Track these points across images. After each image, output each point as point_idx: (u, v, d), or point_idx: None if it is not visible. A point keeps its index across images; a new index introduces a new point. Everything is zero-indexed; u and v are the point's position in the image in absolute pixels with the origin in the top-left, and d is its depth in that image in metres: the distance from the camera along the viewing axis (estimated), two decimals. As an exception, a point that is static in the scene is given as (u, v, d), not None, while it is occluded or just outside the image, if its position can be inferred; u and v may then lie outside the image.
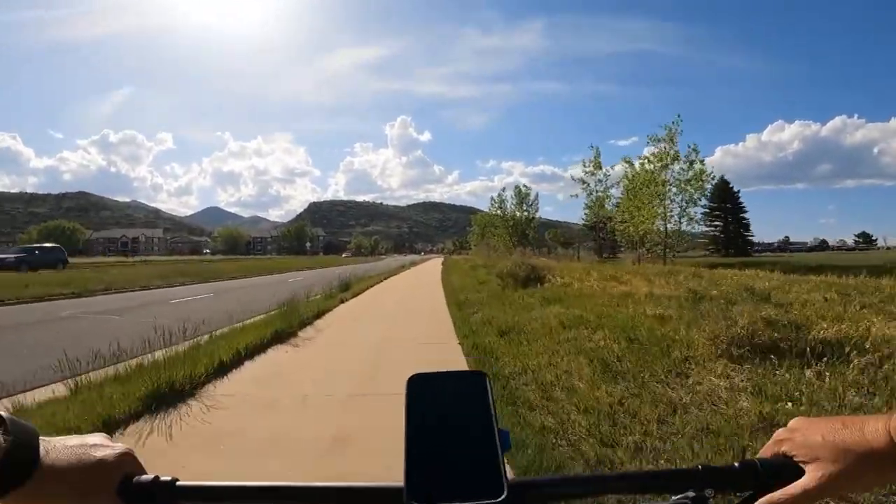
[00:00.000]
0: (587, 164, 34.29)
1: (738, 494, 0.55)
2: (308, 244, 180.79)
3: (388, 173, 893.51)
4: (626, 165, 30.67)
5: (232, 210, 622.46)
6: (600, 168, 34.09)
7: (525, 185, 47.07)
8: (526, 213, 46.07)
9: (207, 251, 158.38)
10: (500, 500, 0.47)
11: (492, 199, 46.84)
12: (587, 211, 37.67)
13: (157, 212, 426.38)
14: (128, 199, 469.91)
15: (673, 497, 0.54)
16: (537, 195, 46.01)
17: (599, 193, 34.60)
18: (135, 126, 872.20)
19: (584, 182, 34.39)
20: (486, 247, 45.36)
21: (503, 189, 44.43)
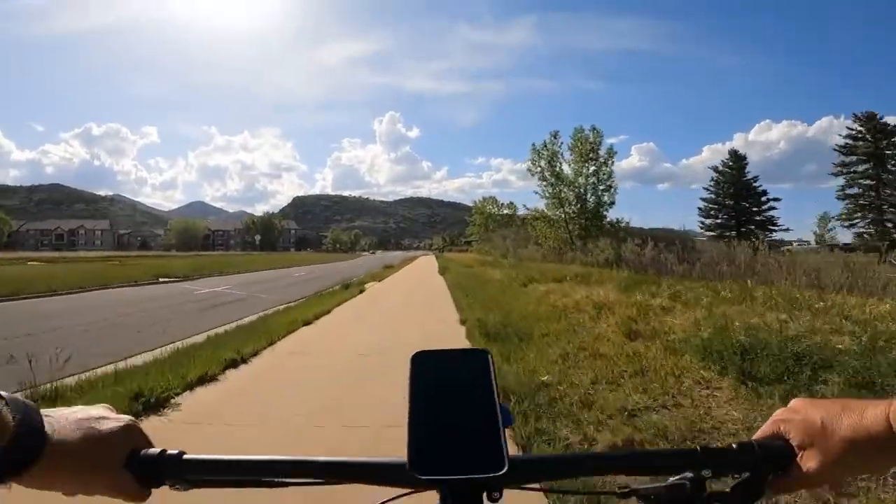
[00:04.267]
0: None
1: (735, 476, 0.57)
2: (279, 238, 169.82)
3: (375, 169, 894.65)
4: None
5: (217, 205, 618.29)
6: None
7: (594, 130, 31.79)
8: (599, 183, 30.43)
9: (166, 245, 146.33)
10: (500, 473, 0.50)
11: (531, 162, 31.56)
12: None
13: (134, 205, 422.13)
14: (111, 193, 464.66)
15: (671, 478, 0.57)
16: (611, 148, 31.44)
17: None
18: (119, 119, 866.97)
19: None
20: (504, 242, 35.10)
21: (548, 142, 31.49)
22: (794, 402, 0.59)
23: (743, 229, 47.32)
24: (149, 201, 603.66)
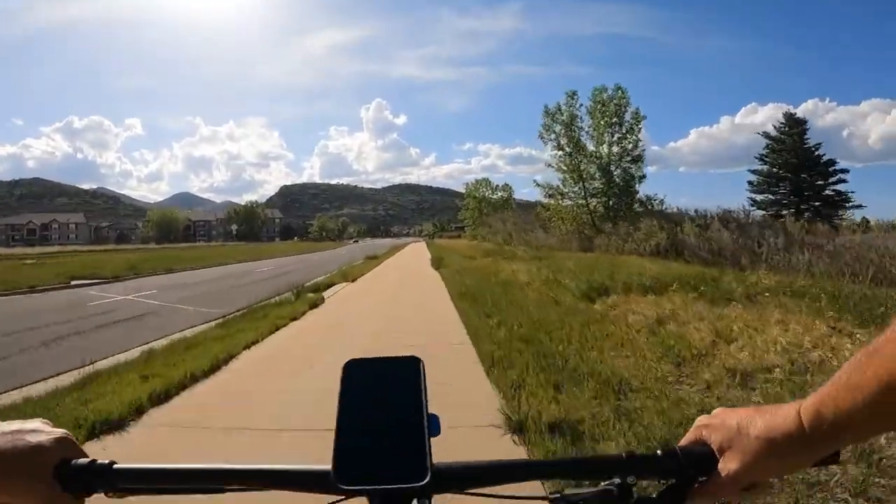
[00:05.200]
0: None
1: (661, 482, 0.58)
2: (263, 228, 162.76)
3: (363, 157, 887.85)
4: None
5: (205, 196, 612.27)
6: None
7: (620, 90, 25.74)
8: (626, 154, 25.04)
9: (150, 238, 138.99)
10: (421, 484, 0.50)
11: (543, 128, 25.99)
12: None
13: (118, 198, 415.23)
14: (94, 186, 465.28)
15: (602, 484, 0.57)
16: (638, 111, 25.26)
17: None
18: (101, 112, 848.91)
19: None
20: (511, 228, 29.33)
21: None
22: (716, 410, 0.60)
23: (805, 206, 39.34)
24: (134, 194, 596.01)
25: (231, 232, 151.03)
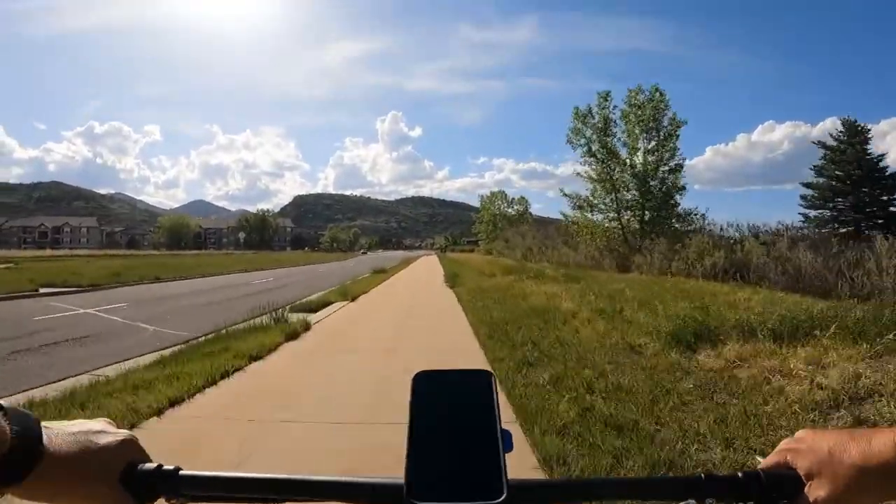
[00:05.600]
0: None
1: None
2: (274, 237, 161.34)
3: (378, 168, 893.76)
4: None
5: (220, 204, 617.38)
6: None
7: (657, 91, 23.18)
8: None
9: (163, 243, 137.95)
10: (500, 500, 0.48)
11: (571, 132, 23.33)
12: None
13: (134, 203, 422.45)
14: (112, 191, 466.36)
15: None
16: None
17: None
18: (122, 118, 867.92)
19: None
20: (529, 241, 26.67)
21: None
22: (799, 433, 0.57)
23: (868, 223, 34.95)
24: (151, 200, 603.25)
25: (241, 240, 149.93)
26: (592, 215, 23.65)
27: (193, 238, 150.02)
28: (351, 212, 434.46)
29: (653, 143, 22.71)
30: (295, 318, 9.27)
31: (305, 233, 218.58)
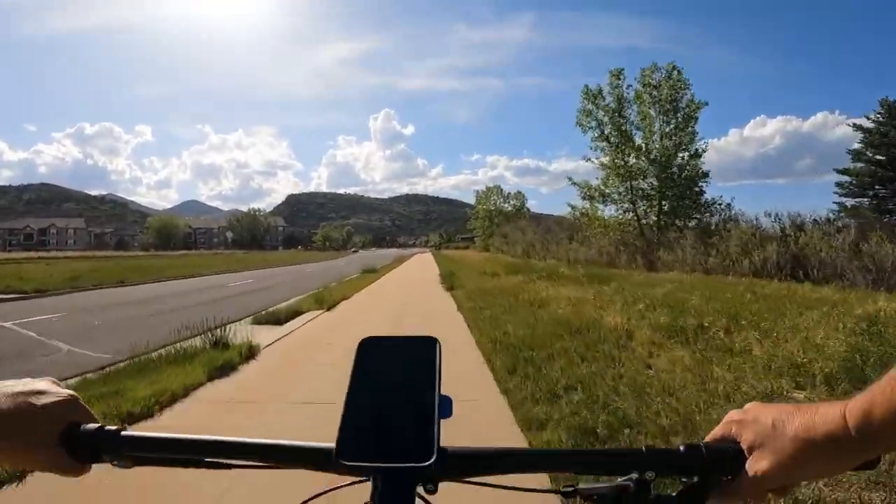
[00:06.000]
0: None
1: (682, 479, 0.54)
2: (265, 236, 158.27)
3: (371, 166, 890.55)
4: None
5: (213, 203, 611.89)
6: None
7: (675, 69, 20.59)
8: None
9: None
10: (426, 464, 0.48)
11: (581, 114, 21.20)
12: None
13: (126, 204, 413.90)
14: (104, 193, 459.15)
15: (619, 479, 0.54)
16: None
17: None
18: (113, 119, 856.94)
19: None
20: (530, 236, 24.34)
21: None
22: (748, 405, 0.55)
23: None
24: (143, 200, 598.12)
25: (233, 240, 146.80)
26: (605, 206, 21.33)
27: (183, 238, 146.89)
28: (345, 210, 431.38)
29: (670, 126, 20.35)
30: (245, 335, 6.85)
31: (298, 232, 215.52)
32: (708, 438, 0.56)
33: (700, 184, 20.01)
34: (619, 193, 20.71)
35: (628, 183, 20.51)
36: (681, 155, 20.28)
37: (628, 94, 21.04)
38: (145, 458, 0.56)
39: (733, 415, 0.55)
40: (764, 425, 0.51)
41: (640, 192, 20.52)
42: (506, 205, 68.90)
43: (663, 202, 19.92)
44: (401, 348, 0.58)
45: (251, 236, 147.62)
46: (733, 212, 18.89)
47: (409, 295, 14.29)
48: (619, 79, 21.09)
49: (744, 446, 0.52)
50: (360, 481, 0.53)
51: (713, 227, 17.31)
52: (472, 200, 72.64)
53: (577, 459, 0.58)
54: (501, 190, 70.79)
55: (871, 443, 0.46)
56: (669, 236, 17.38)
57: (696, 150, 20.27)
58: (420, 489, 0.51)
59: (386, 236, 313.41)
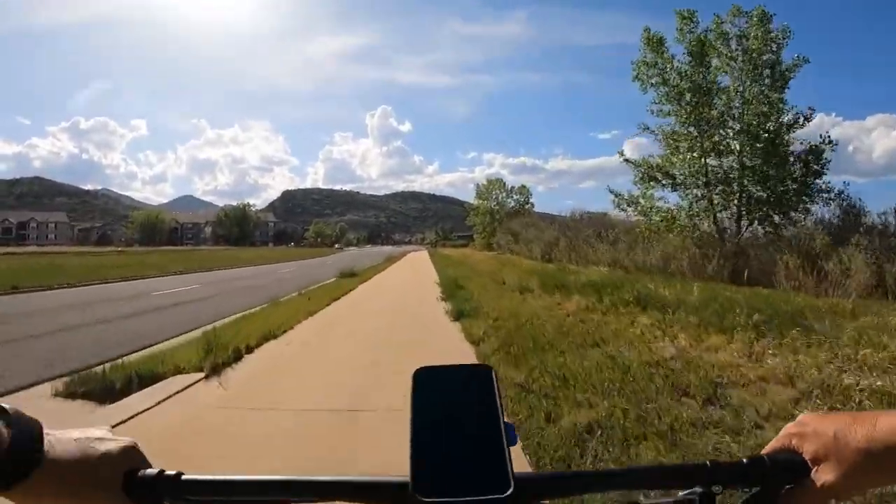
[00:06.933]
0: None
1: (745, 490, 0.55)
2: (255, 232, 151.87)
3: (367, 163, 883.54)
4: None
5: (208, 199, 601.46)
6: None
7: (763, 13, 14.35)
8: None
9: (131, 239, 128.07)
10: (506, 495, 0.48)
11: (639, 65, 15.85)
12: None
13: (118, 199, 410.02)
14: (99, 187, 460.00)
15: (680, 493, 0.55)
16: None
17: None
18: (107, 113, 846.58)
19: None
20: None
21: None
22: (802, 416, 0.56)
23: None
24: (138, 195, 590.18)
25: (220, 235, 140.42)
26: (662, 193, 15.52)
27: (169, 233, 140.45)
28: (340, 206, 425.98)
29: (763, 87, 14.56)
30: None
31: (290, 227, 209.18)
32: (766, 450, 0.55)
33: (822, 159, 14.00)
34: (693, 173, 14.83)
35: (703, 159, 14.65)
36: (782, 121, 14.44)
37: (709, 35, 15.15)
38: (205, 502, 0.55)
39: (791, 428, 0.56)
40: (826, 437, 0.52)
41: (720, 174, 14.70)
42: (509, 199, 63.16)
43: (755, 188, 14.14)
44: (457, 377, 0.57)
45: (240, 232, 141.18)
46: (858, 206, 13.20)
47: (390, 327, 8.45)
48: (692, 20, 15.24)
49: (806, 457, 0.52)
50: None
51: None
52: (468, 198, 67.27)
53: (644, 477, 0.58)
54: (504, 183, 64.91)
55: None
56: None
57: (797, 115, 14.47)
58: None
59: (381, 233, 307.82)
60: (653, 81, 15.70)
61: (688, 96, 14.93)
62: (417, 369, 0.57)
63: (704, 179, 14.81)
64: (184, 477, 0.55)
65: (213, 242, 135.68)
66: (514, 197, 63.59)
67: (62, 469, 0.50)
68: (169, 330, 8.43)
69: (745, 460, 0.53)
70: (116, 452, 0.54)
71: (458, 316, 8.89)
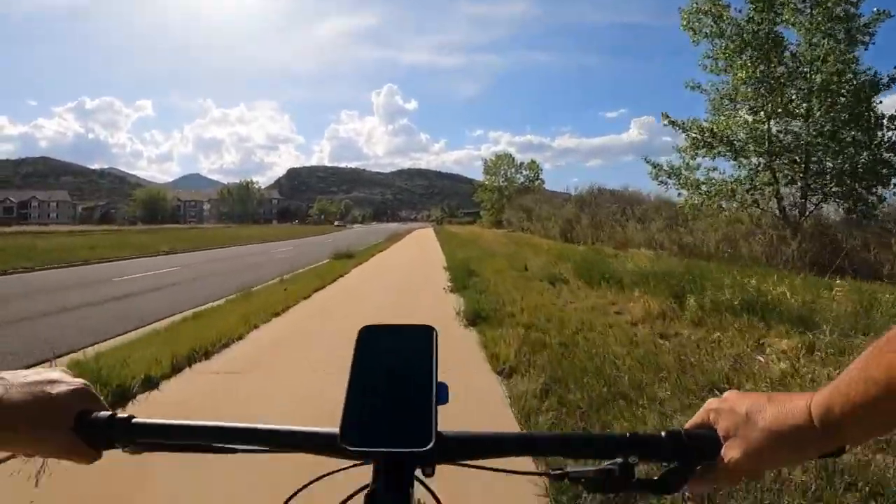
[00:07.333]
0: None
1: (663, 464, 0.57)
2: (259, 209, 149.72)
3: (373, 141, 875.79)
4: None
5: (214, 177, 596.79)
6: None
7: None
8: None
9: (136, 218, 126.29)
10: (425, 449, 0.49)
11: (691, 15, 13.01)
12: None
13: (124, 178, 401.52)
14: (105, 166, 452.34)
15: (604, 462, 0.56)
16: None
17: None
18: (113, 93, 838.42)
19: None
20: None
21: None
22: (727, 393, 0.57)
23: None
24: (144, 174, 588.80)
25: (223, 213, 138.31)
26: (713, 162, 12.93)
27: (171, 211, 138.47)
28: (346, 184, 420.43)
29: (837, 42, 11.95)
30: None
31: (294, 205, 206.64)
32: (688, 425, 0.57)
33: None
34: (755, 138, 12.26)
35: (766, 125, 12.02)
36: (861, 79, 11.80)
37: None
38: (155, 444, 0.57)
39: (712, 403, 0.57)
40: (738, 415, 0.53)
41: (785, 140, 12.08)
42: (518, 175, 60.32)
43: (825, 159, 11.58)
44: (400, 336, 0.59)
45: (243, 209, 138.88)
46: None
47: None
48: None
49: (720, 434, 0.54)
50: (362, 465, 0.54)
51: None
52: (475, 175, 64.51)
53: (566, 444, 0.60)
54: (513, 159, 61.97)
55: (833, 435, 0.48)
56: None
57: (881, 76, 11.78)
58: (418, 472, 0.53)
59: (387, 210, 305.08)
60: (707, 31, 13.05)
61: (750, 50, 12.26)
62: (362, 328, 0.59)
63: (767, 147, 12.25)
64: (134, 420, 0.56)
65: (217, 220, 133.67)
66: (524, 172, 60.78)
67: (12, 411, 0.51)
68: (83, 337, 6.10)
69: (663, 434, 0.55)
70: (68, 394, 0.54)
71: (473, 319, 6.57)
